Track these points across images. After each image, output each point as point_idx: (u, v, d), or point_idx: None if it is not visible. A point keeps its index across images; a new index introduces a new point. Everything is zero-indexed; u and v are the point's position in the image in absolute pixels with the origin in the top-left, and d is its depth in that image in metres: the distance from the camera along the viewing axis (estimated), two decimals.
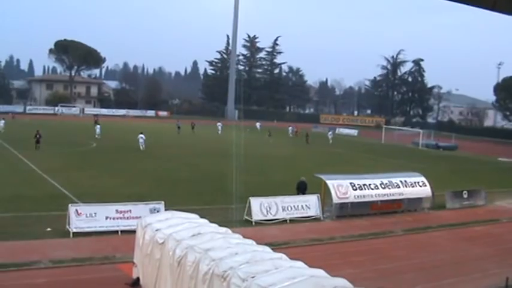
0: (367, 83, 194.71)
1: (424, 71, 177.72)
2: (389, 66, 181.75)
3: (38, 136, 60.84)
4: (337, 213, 34.68)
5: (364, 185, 36.07)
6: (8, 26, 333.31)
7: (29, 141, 60.51)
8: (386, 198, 36.75)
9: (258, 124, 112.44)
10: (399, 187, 37.56)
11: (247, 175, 40.84)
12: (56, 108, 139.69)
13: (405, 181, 38.26)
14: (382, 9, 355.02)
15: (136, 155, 60.06)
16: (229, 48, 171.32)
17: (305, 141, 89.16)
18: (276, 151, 72.84)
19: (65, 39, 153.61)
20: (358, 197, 35.44)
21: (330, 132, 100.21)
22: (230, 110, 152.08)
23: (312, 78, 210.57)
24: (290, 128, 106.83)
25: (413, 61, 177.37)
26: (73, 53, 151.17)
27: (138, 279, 20.22)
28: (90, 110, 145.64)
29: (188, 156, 62.58)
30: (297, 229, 31.42)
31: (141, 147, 63.97)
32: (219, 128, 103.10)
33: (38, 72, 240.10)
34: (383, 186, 36.86)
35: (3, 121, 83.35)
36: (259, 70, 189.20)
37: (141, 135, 64.86)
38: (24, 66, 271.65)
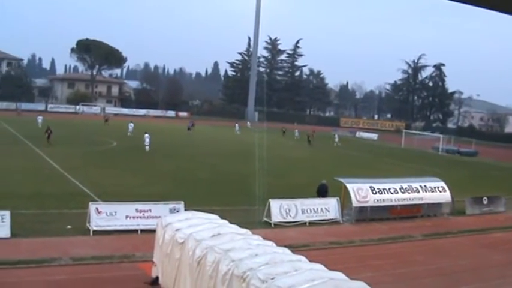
0: (388, 87, 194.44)
1: (445, 75, 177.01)
2: (410, 71, 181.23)
3: (49, 132, 62.60)
4: (356, 217, 34.61)
5: (383, 189, 35.92)
6: (30, 25, 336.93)
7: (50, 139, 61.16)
8: (405, 202, 36.58)
9: (248, 123, 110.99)
10: (419, 192, 37.37)
11: (263, 176, 40.82)
12: (77, 107, 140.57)
13: (425, 186, 38.05)
14: (404, 13, 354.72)
15: (155, 154, 60.23)
16: (251, 49, 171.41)
17: (307, 143, 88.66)
18: (288, 153, 72.69)
19: (86, 39, 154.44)
20: (377, 201, 35.33)
21: (336, 135, 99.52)
22: (250, 112, 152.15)
23: (332, 81, 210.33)
24: (296, 130, 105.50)
25: (435, 66, 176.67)
26: (95, 53, 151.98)
27: (157, 278, 20.33)
28: (111, 110, 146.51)
29: (206, 156, 62.75)
30: (316, 232, 31.43)
31: (146, 149, 62.38)
32: (237, 128, 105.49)
33: (60, 71, 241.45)
34: (403, 190, 36.69)
35: (41, 117, 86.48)
36: (280, 72, 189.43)
37: (147, 135, 63.56)
38: (46, 64, 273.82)
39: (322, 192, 35.97)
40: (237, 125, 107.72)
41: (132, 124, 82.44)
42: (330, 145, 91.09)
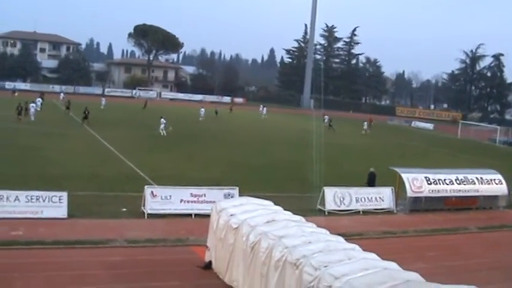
0: (445, 76, 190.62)
1: (504, 66, 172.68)
2: (468, 60, 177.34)
3: (86, 113, 64.97)
4: (410, 207, 34.35)
5: (439, 179, 35.53)
6: (89, 10, 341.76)
7: (107, 123, 62.00)
8: (461, 194, 36.10)
9: (263, 108, 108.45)
10: (475, 184, 36.84)
11: (316, 164, 40.67)
12: (134, 91, 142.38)
13: (481, 178, 37.47)
14: (463, 2, 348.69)
15: (209, 140, 60.68)
16: (307, 37, 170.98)
17: (328, 128, 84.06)
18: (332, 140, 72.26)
19: (144, 24, 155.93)
20: (432, 191, 34.98)
21: (365, 122, 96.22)
22: (306, 99, 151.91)
23: (388, 70, 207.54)
24: (326, 116, 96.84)
25: (493, 56, 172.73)
26: (152, 38, 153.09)
27: (210, 262, 20.51)
28: (167, 94, 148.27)
29: (257, 143, 62.94)
30: (369, 221, 31.34)
31: (161, 133, 61.34)
32: (264, 111, 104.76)
33: (117, 55, 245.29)
34: (458, 182, 36.23)
35: (104, 99, 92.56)
36: (337, 60, 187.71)
37: (163, 120, 62.57)
38: (103, 49, 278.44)
39: (371, 179, 35.81)
40: (265, 108, 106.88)
41: (203, 109, 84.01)
42: (357, 132, 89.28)
